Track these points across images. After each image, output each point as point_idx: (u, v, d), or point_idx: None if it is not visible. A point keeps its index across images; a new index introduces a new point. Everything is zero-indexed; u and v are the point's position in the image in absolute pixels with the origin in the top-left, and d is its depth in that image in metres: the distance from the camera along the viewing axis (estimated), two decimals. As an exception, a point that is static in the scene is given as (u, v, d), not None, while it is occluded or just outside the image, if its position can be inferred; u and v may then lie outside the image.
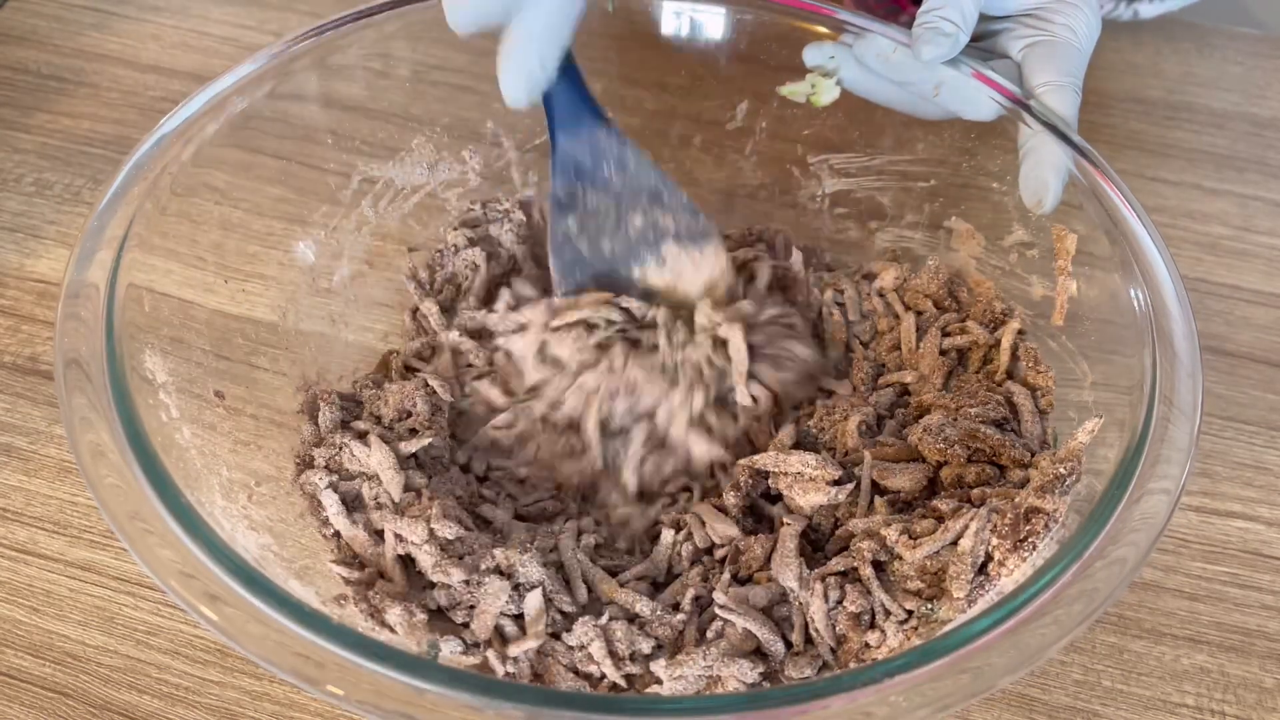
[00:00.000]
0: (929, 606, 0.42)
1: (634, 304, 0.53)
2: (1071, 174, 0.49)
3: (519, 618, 0.44)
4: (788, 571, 0.45)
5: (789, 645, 0.44)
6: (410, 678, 0.33)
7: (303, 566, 0.44)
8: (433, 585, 0.45)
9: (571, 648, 0.43)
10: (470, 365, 0.55)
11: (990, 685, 0.34)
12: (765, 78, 0.59)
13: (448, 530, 0.45)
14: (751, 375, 0.52)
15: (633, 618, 0.45)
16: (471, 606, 0.44)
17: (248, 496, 0.44)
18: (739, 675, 0.42)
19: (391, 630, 0.43)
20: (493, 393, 0.53)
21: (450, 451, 0.51)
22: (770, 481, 0.48)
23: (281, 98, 0.51)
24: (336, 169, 0.55)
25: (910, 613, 0.43)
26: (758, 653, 0.44)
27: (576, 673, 0.43)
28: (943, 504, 0.45)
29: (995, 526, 0.42)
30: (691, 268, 0.53)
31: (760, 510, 0.49)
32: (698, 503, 0.50)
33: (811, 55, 0.56)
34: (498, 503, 0.50)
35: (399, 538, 0.45)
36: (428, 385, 0.52)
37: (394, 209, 0.58)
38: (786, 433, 0.50)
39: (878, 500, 0.47)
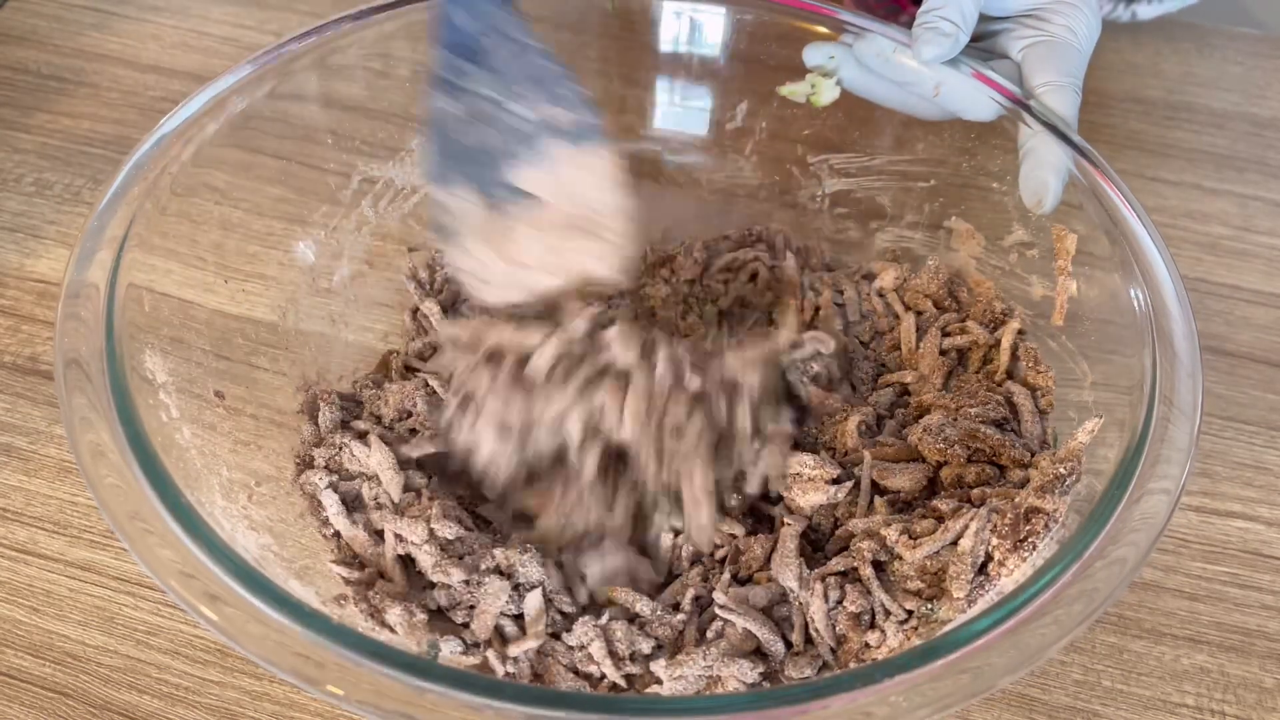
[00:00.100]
0: (929, 606, 0.42)
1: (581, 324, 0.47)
2: (1071, 174, 0.49)
3: (519, 618, 0.44)
4: (788, 571, 0.45)
5: (789, 645, 0.44)
6: (410, 677, 0.33)
7: (303, 566, 0.44)
8: (433, 585, 0.45)
9: (571, 648, 0.43)
10: None
11: (990, 685, 0.34)
12: (765, 78, 0.59)
13: (448, 530, 0.45)
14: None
15: (633, 618, 0.45)
16: (471, 606, 0.44)
17: (248, 496, 0.44)
18: (739, 675, 0.42)
19: (391, 630, 0.43)
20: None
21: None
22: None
23: (281, 98, 0.51)
24: (336, 169, 0.55)
25: (910, 613, 0.43)
26: (758, 653, 0.44)
27: (576, 673, 0.43)
28: (943, 504, 0.45)
29: (995, 526, 0.42)
30: (573, 168, 0.46)
31: (760, 510, 0.49)
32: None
33: (811, 55, 0.56)
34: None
35: (399, 538, 0.45)
36: (428, 385, 0.52)
37: (394, 209, 0.58)
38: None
39: (878, 500, 0.47)
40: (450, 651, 0.43)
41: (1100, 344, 0.48)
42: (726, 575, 0.46)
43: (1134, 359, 0.44)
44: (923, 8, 0.51)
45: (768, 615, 0.44)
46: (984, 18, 0.53)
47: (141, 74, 0.73)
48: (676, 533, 0.48)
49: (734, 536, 0.47)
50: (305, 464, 0.48)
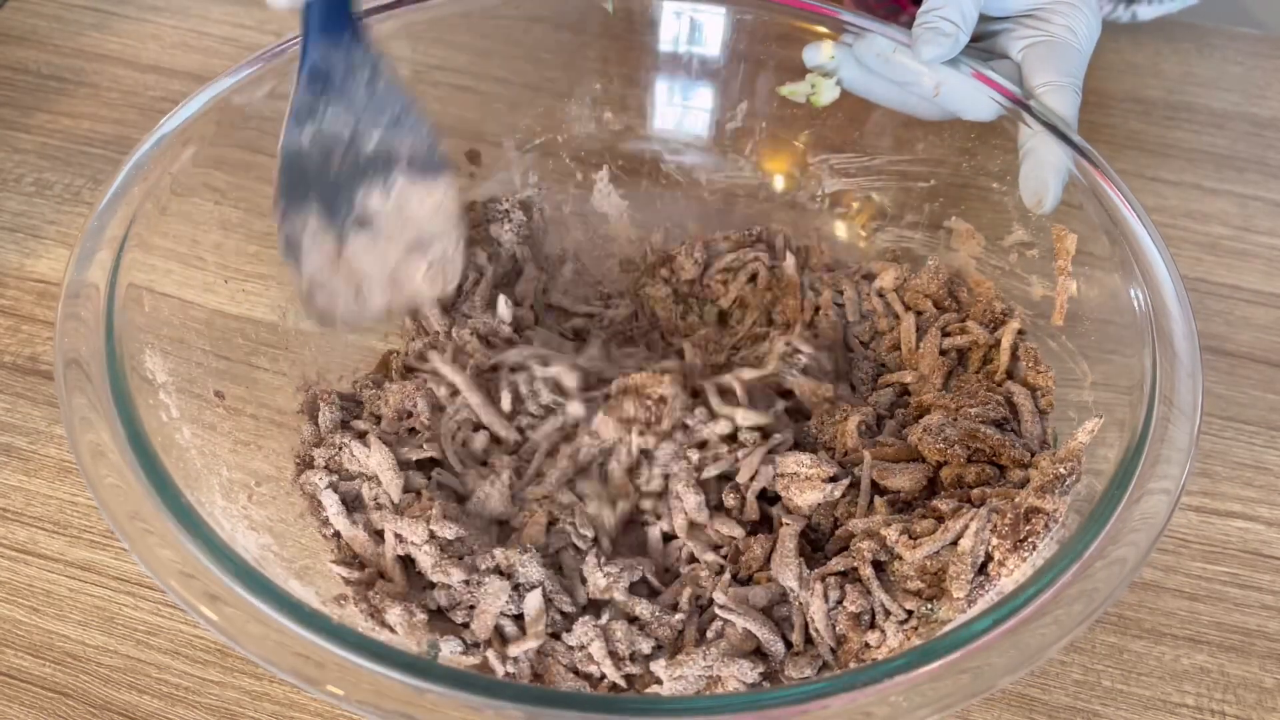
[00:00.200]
0: (929, 606, 0.42)
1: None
2: (1071, 174, 0.49)
3: (519, 618, 0.44)
4: (787, 571, 0.45)
5: (789, 645, 0.44)
6: (410, 678, 0.33)
7: (303, 566, 0.44)
8: (433, 585, 0.45)
9: (571, 648, 0.43)
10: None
11: (990, 685, 0.34)
12: (765, 78, 0.59)
13: (447, 531, 0.45)
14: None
15: (633, 618, 0.45)
16: (471, 606, 0.44)
17: (248, 496, 0.44)
18: (739, 675, 0.42)
19: (391, 630, 0.43)
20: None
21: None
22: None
23: (282, 98, 0.51)
24: (336, 169, 0.55)
25: (910, 613, 0.43)
26: (758, 653, 0.44)
27: (576, 673, 0.43)
28: (943, 504, 0.45)
29: (995, 526, 0.42)
30: (417, 201, 0.49)
31: (759, 510, 0.49)
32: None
33: (811, 55, 0.56)
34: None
35: (399, 538, 0.45)
36: (428, 385, 0.52)
37: (394, 209, 0.57)
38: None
39: (878, 500, 0.47)
40: (450, 651, 0.43)
41: (1100, 344, 0.48)
42: (726, 575, 0.46)
43: (1134, 359, 0.44)
44: (923, 8, 0.51)
45: (768, 615, 0.44)
46: (984, 18, 0.53)
47: (141, 74, 0.73)
48: (670, 537, 0.48)
49: (733, 537, 0.47)
50: (305, 464, 0.48)
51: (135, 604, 0.49)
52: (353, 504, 0.47)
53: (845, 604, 0.43)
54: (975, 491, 0.46)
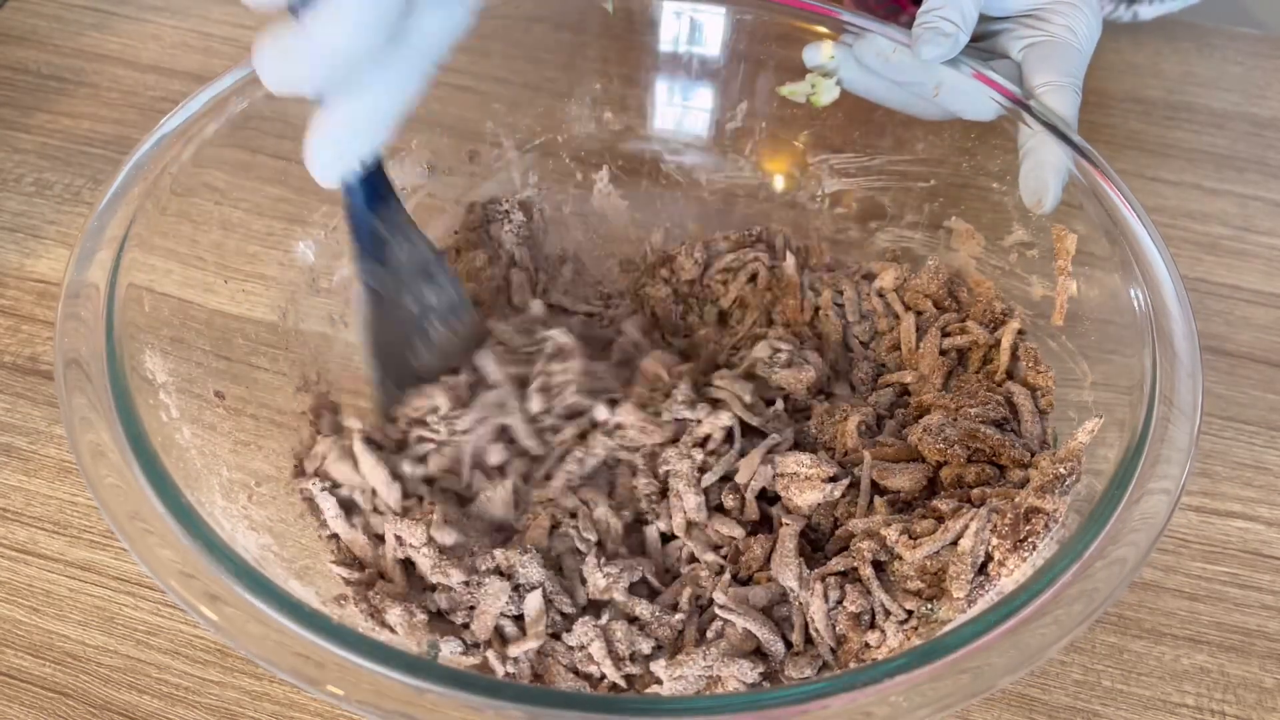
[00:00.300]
0: (929, 606, 0.42)
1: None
2: (1071, 174, 0.49)
3: (519, 618, 0.44)
4: (787, 571, 0.45)
5: (789, 645, 0.44)
6: (410, 678, 0.33)
7: (303, 567, 0.44)
8: (433, 588, 0.45)
9: (571, 648, 0.43)
10: None
11: (990, 685, 0.34)
12: (765, 78, 0.59)
13: (446, 537, 0.45)
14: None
15: (633, 619, 0.45)
16: (471, 607, 0.44)
17: (248, 497, 0.44)
18: (739, 675, 0.42)
19: (392, 630, 0.43)
20: None
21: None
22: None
23: (281, 98, 0.51)
24: (336, 169, 0.55)
25: (910, 613, 0.43)
26: (758, 653, 0.44)
27: (576, 673, 0.43)
28: (943, 504, 0.45)
29: (995, 526, 0.42)
30: (453, 339, 0.52)
31: (759, 510, 0.49)
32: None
33: (811, 55, 0.56)
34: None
35: (399, 540, 0.45)
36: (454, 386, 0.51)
37: (393, 209, 0.57)
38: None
39: (877, 500, 0.47)
40: (450, 652, 0.43)
41: (1100, 344, 0.48)
42: (726, 575, 0.46)
43: (1134, 359, 0.44)
44: (923, 8, 0.51)
45: (767, 615, 0.44)
46: (984, 18, 0.53)
47: (141, 74, 0.73)
48: (669, 537, 0.48)
49: (733, 537, 0.47)
50: (299, 470, 0.48)
51: (135, 604, 0.49)
52: (351, 507, 0.47)
53: (845, 604, 0.43)
54: (975, 491, 0.45)
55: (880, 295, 0.57)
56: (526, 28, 0.61)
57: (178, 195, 0.47)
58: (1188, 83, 0.78)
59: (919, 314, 0.55)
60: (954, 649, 0.35)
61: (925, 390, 0.52)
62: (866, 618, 0.43)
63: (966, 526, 0.42)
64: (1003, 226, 0.54)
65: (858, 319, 0.56)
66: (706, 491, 0.48)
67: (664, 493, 0.49)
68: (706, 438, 0.49)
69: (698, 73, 0.61)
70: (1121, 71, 0.79)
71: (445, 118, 0.58)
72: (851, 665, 0.43)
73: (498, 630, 0.44)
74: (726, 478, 0.49)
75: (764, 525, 0.49)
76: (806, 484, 0.47)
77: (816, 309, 0.57)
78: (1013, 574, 0.40)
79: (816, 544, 0.47)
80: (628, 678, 0.43)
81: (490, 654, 0.43)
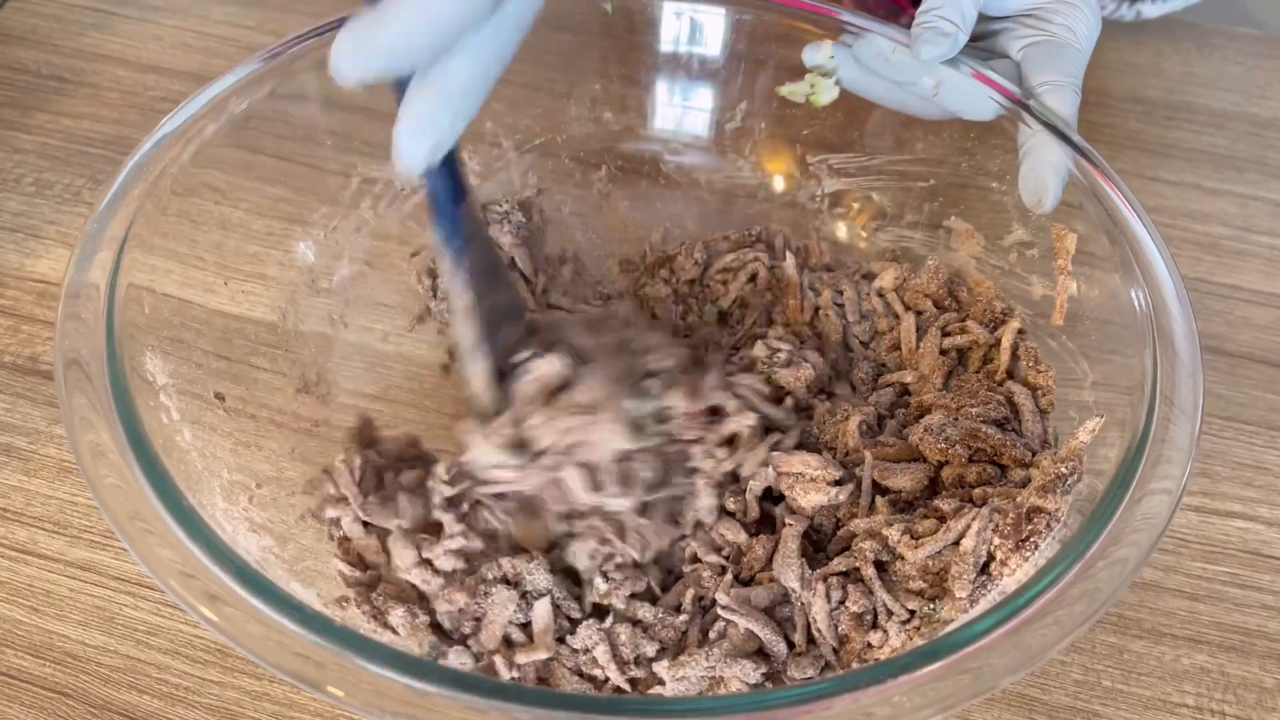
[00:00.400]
0: (931, 606, 0.42)
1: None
2: (1071, 174, 0.49)
3: (525, 625, 0.44)
4: (789, 572, 0.45)
5: (791, 646, 0.44)
6: (413, 680, 0.33)
7: (304, 568, 0.44)
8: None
9: (576, 651, 0.43)
10: None
11: (992, 685, 0.34)
12: (765, 78, 0.59)
13: (455, 562, 0.45)
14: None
15: (636, 621, 0.45)
16: (477, 619, 0.44)
17: (248, 498, 0.44)
18: (742, 676, 0.42)
19: (394, 631, 0.43)
20: None
21: None
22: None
23: (282, 98, 0.51)
24: (336, 169, 0.55)
25: (912, 613, 0.42)
26: (760, 653, 0.44)
27: (581, 675, 0.43)
28: (944, 504, 0.45)
29: (997, 526, 0.42)
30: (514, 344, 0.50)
31: (760, 510, 0.49)
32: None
33: (811, 55, 0.56)
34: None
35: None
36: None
37: (393, 210, 0.57)
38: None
39: (879, 500, 0.47)
40: (460, 664, 0.43)
41: (1101, 344, 0.48)
42: (729, 576, 0.46)
43: (1134, 359, 0.44)
44: (922, 7, 0.51)
45: (770, 616, 0.44)
46: (984, 17, 0.53)
47: (141, 74, 0.73)
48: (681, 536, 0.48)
49: (736, 542, 0.47)
50: (318, 514, 0.48)
51: (135, 604, 0.49)
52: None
53: (847, 604, 0.43)
54: (977, 491, 0.46)
55: (880, 295, 0.57)
56: (526, 28, 0.61)
57: (178, 195, 0.47)
58: (1188, 83, 0.78)
59: (919, 314, 0.55)
60: (956, 649, 0.35)
61: (926, 390, 0.52)
62: (869, 618, 0.43)
63: (968, 526, 0.42)
64: (1002, 226, 0.54)
65: (858, 319, 0.56)
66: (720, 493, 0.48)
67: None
68: (734, 436, 0.49)
69: (697, 73, 0.61)
70: (1121, 71, 0.79)
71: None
72: (854, 665, 0.43)
73: (504, 637, 0.44)
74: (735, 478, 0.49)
75: (766, 525, 0.49)
76: (812, 485, 0.47)
77: (816, 309, 0.57)
78: (1014, 574, 0.40)
79: (818, 544, 0.47)
80: (631, 680, 0.43)
81: (496, 657, 0.43)
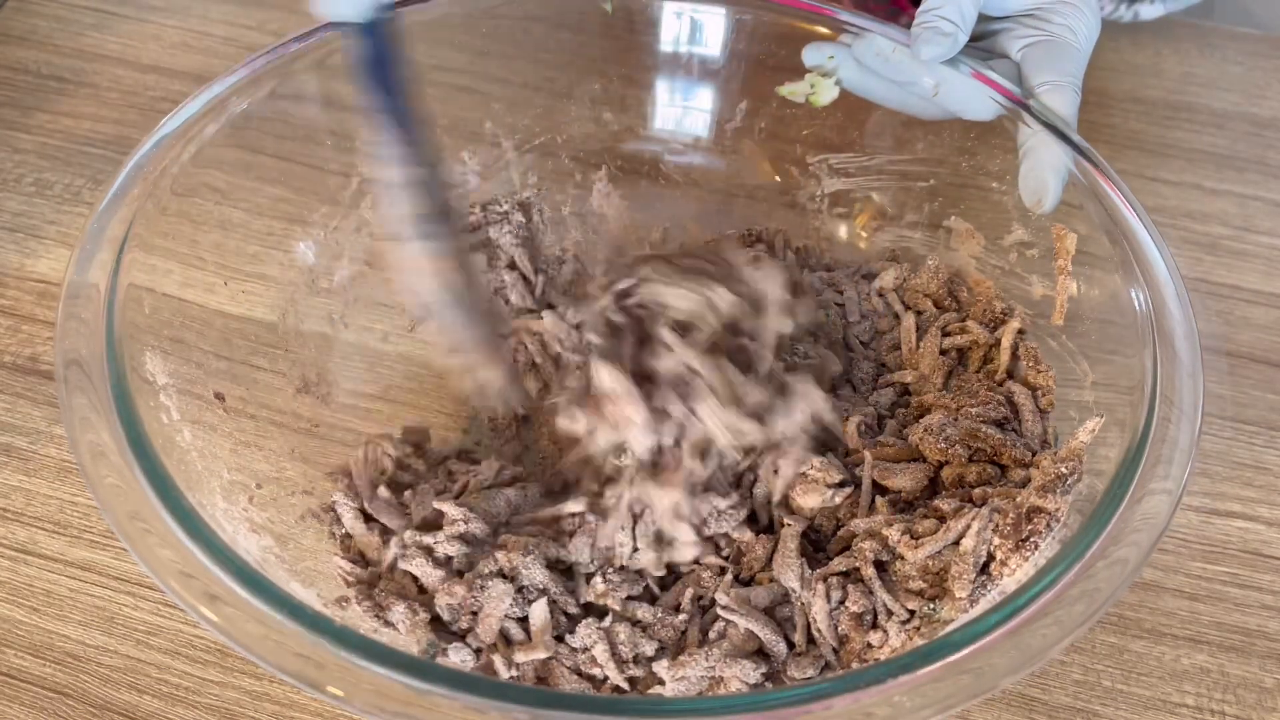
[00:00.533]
0: (931, 606, 0.42)
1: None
2: (1071, 174, 0.49)
3: (523, 620, 0.44)
4: (789, 572, 0.45)
5: (791, 646, 0.44)
6: (413, 679, 0.33)
7: (304, 568, 0.44)
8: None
9: (575, 650, 0.43)
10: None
11: (992, 685, 0.34)
12: (765, 78, 0.59)
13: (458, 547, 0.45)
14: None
15: (635, 622, 0.45)
16: (474, 612, 0.44)
17: (248, 499, 0.44)
18: (741, 676, 0.42)
19: (394, 628, 0.43)
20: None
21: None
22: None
23: (282, 98, 0.51)
24: (336, 169, 0.55)
25: (912, 613, 0.43)
26: (760, 653, 0.44)
27: (580, 674, 0.43)
28: (944, 504, 0.45)
29: (997, 526, 0.42)
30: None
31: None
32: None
33: (811, 55, 0.56)
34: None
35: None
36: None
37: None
38: None
39: (879, 500, 0.47)
40: (461, 661, 0.43)
41: (1101, 344, 0.48)
42: (728, 576, 0.46)
43: (1134, 359, 0.44)
44: (922, 7, 0.51)
45: (770, 616, 0.44)
46: (984, 17, 0.53)
47: (141, 74, 0.73)
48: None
49: (740, 540, 0.47)
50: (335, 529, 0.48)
51: (135, 604, 0.49)
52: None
53: (847, 604, 0.43)
54: (977, 491, 0.46)
55: (880, 295, 0.57)
56: (526, 28, 0.61)
57: (178, 195, 0.47)
58: (1188, 83, 0.78)
59: (919, 314, 0.55)
60: (956, 649, 0.35)
61: (926, 390, 0.52)
62: (869, 618, 0.43)
63: (968, 526, 0.42)
64: (1002, 226, 0.54)
65: (858, 319, 0.56)
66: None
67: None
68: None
69: (698, 73, 0.61)
70: (1121, 71, 0.79)
71: (445, 118, 0.58)
72: (854, 665, 0.43)
73: (502, 633, 0.44)
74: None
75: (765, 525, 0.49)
76: (813, 486, 0.47)
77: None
78: (1014, 573, 0.40)
79: (818, 544, 0.47)
80: (630, 679, 0.43)
81: (496, 656, 0.43)
